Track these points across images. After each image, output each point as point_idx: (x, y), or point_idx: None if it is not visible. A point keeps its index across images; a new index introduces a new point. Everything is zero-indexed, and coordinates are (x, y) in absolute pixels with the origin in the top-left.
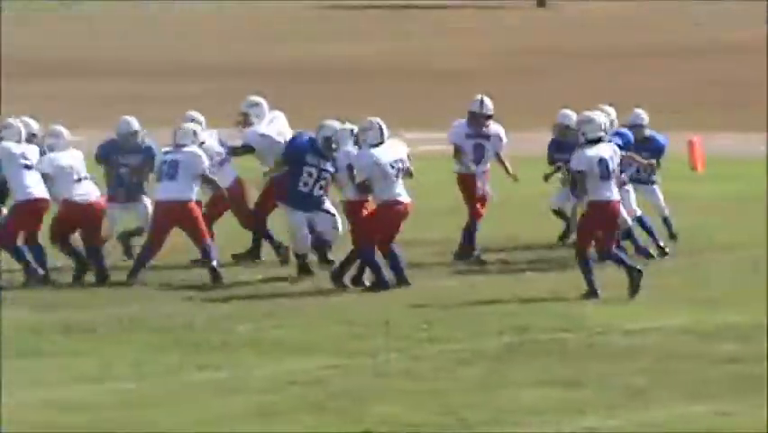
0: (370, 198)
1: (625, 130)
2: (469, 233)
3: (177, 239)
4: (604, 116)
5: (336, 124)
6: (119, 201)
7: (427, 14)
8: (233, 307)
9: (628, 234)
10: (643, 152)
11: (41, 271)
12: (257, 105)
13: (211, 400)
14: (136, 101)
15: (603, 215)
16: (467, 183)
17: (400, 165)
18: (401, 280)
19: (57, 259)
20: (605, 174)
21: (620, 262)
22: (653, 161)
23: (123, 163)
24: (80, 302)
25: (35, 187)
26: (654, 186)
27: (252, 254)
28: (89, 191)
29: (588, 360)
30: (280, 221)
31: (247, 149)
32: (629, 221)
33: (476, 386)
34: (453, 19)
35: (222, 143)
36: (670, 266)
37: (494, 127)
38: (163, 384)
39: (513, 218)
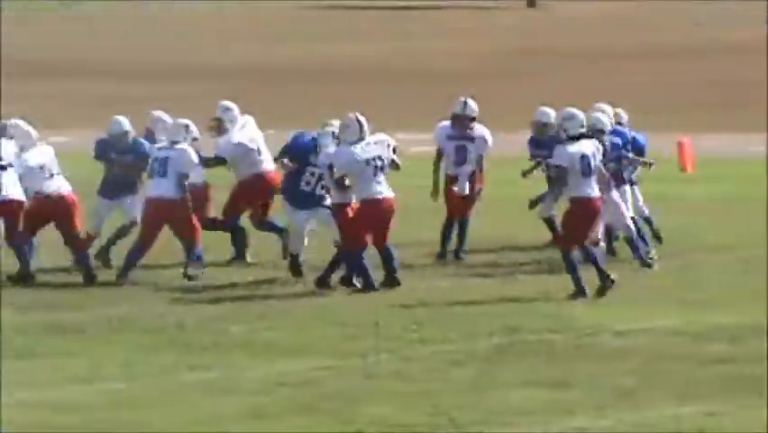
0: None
1: (623, 128)
2: (445, 234)
3: (168, 238)
4: (605, 117)
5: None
6: (107, 197)
7: (423, 15)
8: (225, 308)
9: (630, 240)
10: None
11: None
12: (230, 110)
13: (202, 400)
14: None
15: (585, 211)
16: (451, 184)
17: (378, 163)
18: (392, 281)
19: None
20: (586, 171)
21: (594, 262)
22: (653, 160)
23: (117, 160)
24: (71, 303)
25: (11, 187)
26: (634, 186)
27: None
28: (60, 186)
29: (578, 361)
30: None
31: (219, 160)
32: (632, 226)
33: (466, 387)
34: (447, 20)
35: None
36: (660, 267)
37: (479, 129)
38: (154, 385)
39: (503, 219)
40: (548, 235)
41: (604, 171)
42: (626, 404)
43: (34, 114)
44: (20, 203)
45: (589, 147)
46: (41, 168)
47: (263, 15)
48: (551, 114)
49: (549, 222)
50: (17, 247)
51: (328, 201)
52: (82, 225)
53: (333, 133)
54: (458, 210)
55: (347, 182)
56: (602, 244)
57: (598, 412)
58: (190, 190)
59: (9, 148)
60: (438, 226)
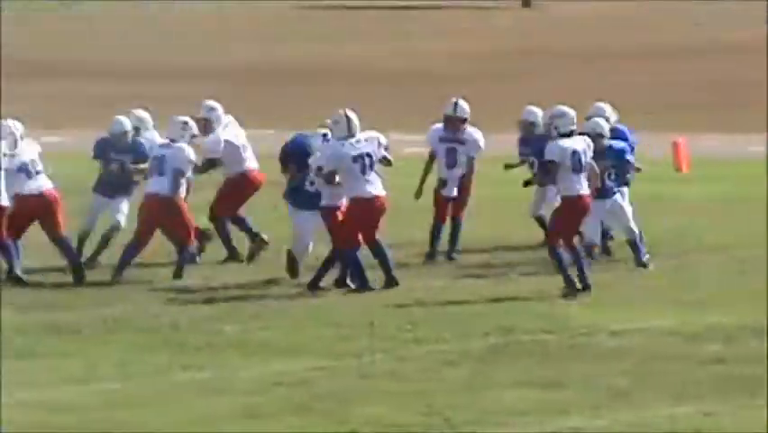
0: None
1: (621, 126)
2: (434, 234)
3: (163, 238)
4: (604, 121)
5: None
6: (103, 194)
7: (420, 16)
8: (220, 308)
9: (633, 242)
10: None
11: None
12: (214, 109)
13: (197, 400)
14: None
15: (574, 208)
16: (440, 187)
17: (367, 160)
18: (389, 279)
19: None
20: (577, 167)
21: (579, 264)
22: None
23: (116, 159)
24: (65, 303)
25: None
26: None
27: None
28: (41, 184)
29: (572, 361)
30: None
31: (211, 163)
32: (635, 230)
33: (461, 387)
34: (444, 21)
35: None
36: (655, 267)
37: (470, 132)
38: (149, 385)
39: (497, 219)
40: (542, 235)
41: (596, 169)
42: (621, 404)
43: (34, 113)
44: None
45: (580, 143)
46: (25, 166)
47: (263, 15)
48: (537, 113)
49: (539, 220)
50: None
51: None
52: (65, 223)
53: (324, 135)
54: (445, 214)
55: (337, 179)
56: (598, 243)
57: (592, 412)
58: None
59: None
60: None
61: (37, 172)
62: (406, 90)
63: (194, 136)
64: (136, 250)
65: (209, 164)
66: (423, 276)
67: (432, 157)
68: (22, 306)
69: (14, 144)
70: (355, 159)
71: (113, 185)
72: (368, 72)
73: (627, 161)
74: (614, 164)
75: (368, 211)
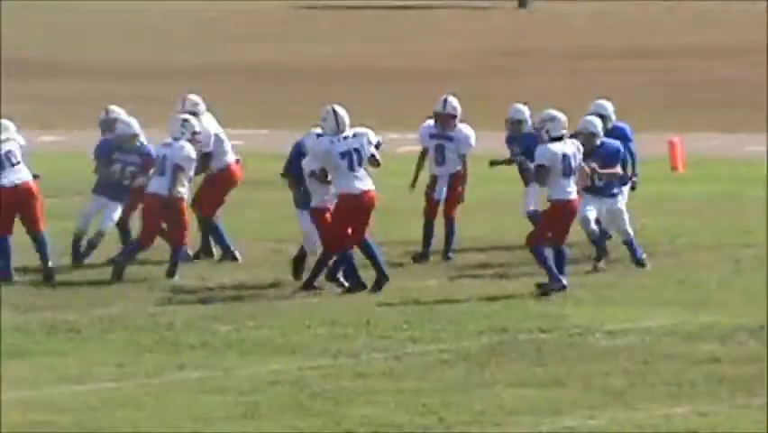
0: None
1: (622, 124)
2: (426, 233)
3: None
4: (598, 120)
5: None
6: (102, 194)
7: (416, 15)
8: (216, 307)
9: (630, 243)
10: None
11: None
12: (198, 104)
13: (193, 400)
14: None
15: (563, 213)
16: (431, 185)
17: (354, 156)
18: (380, 278)
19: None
20: (567, 171)
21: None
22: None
23: (120, 160)
24: (63, 302)
25: None
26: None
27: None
28: (19, 176)
29: (568, 360)
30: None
31: (207, 158)
32: (631, 232)
33: (457, 386)
34: (440, 20)
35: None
36: (651, 267)
37: (461, 129)
38: (145, 384)
39: (493, 219)
40: None
41: (587, 170)
42: (617, 404)
43: (33, 113)
44: None
45: (570, 147)
46: (9, 154)
47: (263, 15)
48: (524, 111)
49: (531, 219)
50: None
51: None
52: (43, 215)
53: (318, 134)
54: (434, 212)
55: (329, 177)
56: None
57: (588, 412)
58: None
59: None
60: None
61: (13, 164)
62: (403, 89)
63: (195, 133)
64: (139, 247)
65: (205, 159)
66: (418, 275)
67: (424, 153)
68: (19, 305)
69: None
70: (343, 155)
71: (112, 187)
72: (365, 71)
73: (622, 160)
74: (606, 163)
75: (356, 207)
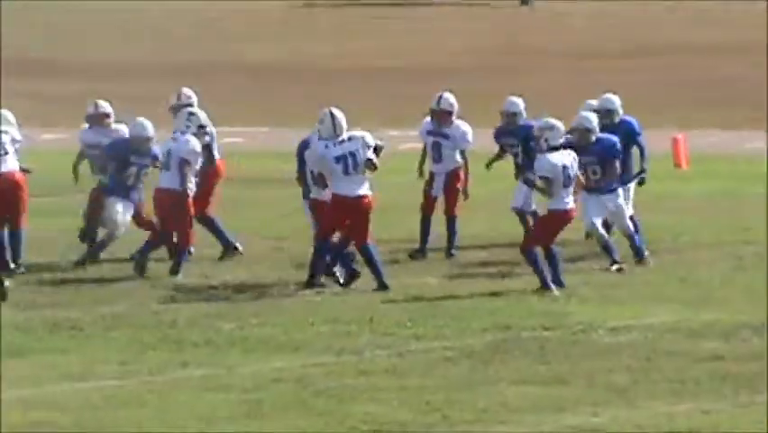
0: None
1: (629, 118)
2: (423, 230)
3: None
4: (593, 116)
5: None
6: (117, 195)
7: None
8: (219, 305)
9: (631, 237)
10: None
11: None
12: (192, 97)
13: (196, 398)
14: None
15: (560, 221)
16: (430, 182)
17: (349, 161)
18: (379, 284)
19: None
20: (567, 181)
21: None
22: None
23: (137, 163)
24: (65, 300)
25: None
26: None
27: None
28: (10, 166)
29: (571, 358)
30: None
31: (207, 150)
32: (631, 227)
33: (460, 384)
34: (442, 18)
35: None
36: (654, 264)
37: (458, 125)
38: (148, 382)
39: (495, 216)
40: None
41: (581, 179)
42: (620, 401)
43: (33, 111)
44: None
45: (567, 158)
46: None
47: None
48: (519, 103)
49: (520, 215)
50: None
51: None
52: (26, 212)
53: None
54: (431, 208)
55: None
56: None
57: (592, 409)
58: None
59: None
60: (432, 222)
61: (4, 154)
62: (403, 88)
63: (201, 127)
64: (160, 242)
65: (207, 151)
66: (421, 273)
67: (425, 150)
68: (21, 303)
69: None
70: (338, 159)
71: (124, 186)
72: (361, 69)
73: (620, 156)
74: (602, 159)
75: (351, 210)
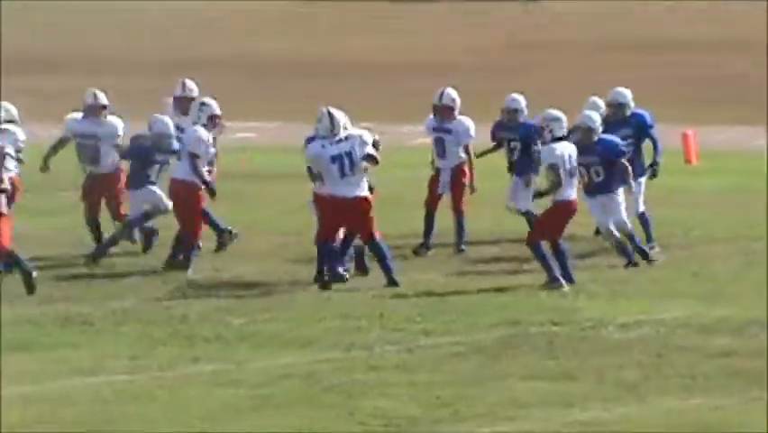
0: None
1: (641, 111)
2: (426, 225)
3: (171, 232)
4: (596, 115)
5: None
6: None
7: (424, 9)
8: (228, 300)
9: (630, 235)
10: (624, 128)
11: None
12: (194, 90)
13: (206, 393)
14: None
15: (565, 213)
16: (435, 177)
17: (345, 160)
18: (388, 280)
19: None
20: (573, 171)
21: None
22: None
23: (160, 161)
24: (76, 295)
25: None
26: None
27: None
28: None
29: (581, 353)
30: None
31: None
32: (629, 224)
33: (470, 379)
34: (449, 14)
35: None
36: (664, 259)
37: (461, 120)
38: (159, 377)
39: (503, 212)
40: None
41: (582, 174)
42: (630, 397)
43: (33, 109)
44: None
45: (569, 148)
46: None
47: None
48: (521, 100)
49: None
50: None
51: None
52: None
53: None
54: (435, 203)
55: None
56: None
57: (601, 405)
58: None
59: None
60: (439, 218)
61: None
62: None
63: (213, 117)
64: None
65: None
66: (431, 268)
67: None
68: (33, 298)
69: None
70: (333, 159)
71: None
72: (371, 65)
73: (623, 156)
74: (604, 161)
75: (347, 211)
